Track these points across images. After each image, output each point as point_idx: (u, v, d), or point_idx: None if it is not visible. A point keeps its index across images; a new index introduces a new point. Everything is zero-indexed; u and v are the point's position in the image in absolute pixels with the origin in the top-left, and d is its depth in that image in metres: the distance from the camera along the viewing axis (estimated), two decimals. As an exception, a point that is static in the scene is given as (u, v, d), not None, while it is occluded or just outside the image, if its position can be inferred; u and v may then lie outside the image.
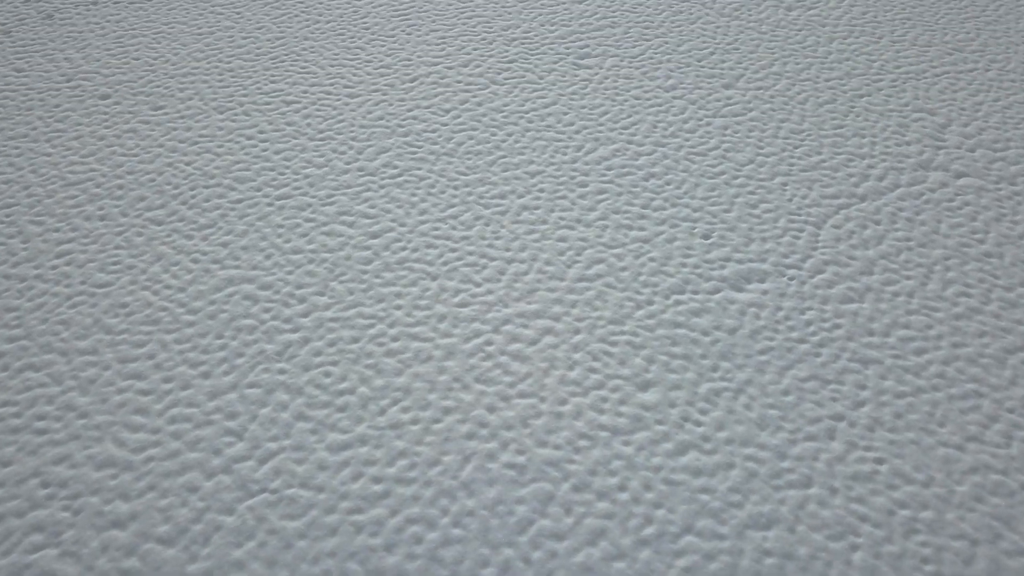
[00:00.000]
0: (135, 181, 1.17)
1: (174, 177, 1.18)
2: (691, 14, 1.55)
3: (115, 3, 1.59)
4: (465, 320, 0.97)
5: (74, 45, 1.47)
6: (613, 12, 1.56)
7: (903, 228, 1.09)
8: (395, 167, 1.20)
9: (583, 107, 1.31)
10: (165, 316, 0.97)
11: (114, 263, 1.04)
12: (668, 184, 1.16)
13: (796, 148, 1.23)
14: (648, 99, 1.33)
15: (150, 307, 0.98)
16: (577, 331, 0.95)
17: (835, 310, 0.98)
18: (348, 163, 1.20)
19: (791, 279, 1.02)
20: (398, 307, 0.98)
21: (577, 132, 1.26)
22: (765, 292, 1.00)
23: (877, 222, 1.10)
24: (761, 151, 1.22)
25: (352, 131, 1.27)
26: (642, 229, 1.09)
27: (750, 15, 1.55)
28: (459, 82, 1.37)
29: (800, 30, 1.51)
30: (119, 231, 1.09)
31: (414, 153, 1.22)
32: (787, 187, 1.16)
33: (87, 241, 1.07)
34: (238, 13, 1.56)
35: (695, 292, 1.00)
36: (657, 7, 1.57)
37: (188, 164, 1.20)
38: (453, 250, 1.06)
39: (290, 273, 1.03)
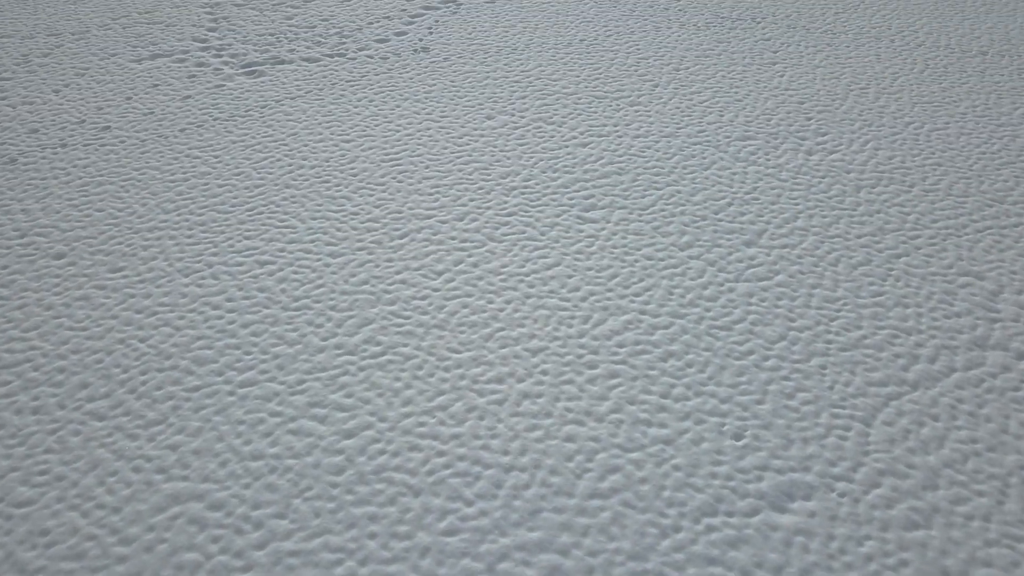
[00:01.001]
0: (79, 363, 1.02)
1: (124, 358, 1.03)
2: (704, 159, 1.44)
3: (84, 146, 1.48)
4: (453, 555, 0.80)
5: (34, 195, 1.35)
6: (619, 156, 1.44)
7: (966, 426, 0.94)
8: (378, 343, 1.05)
9: (589, 269, 1.18)
10: (92, 548, 0.81)
11: (41, 473, 0.88)
12: (690, 367, 1.02)
13: (832, 321, 1.09)
14: (661, 259, 1.20)
15: (76, 535, 0.82)
16: (590, 570, 0.78)
17: (899, 540, 0.81)
18: (324, 339, 1.06)
19: (842, 495, 0.86)
20: (372, 535, 0.82)
21: (583, 299, 1.12)
22: (812, 514, 0.84)
23: (935, 417, 0.95)
24: (793, 324, 1.08)
25: (332, 299, 1.13)
26: (663, 426, 0.94)
27: (768, 160, 1.44)
28: (453, 239, 1.24)
29: (823, 177, 1.39)
30: (53, 429, 0.94)
31: (400, 326, 1.08)
32: (826, 371, 1.01)
33: (13, 443, 0.92)
34: (216, 157, 1.45)
35: (729, 514, 0.84)
36: (667, 151, 1.46)
37: (142, 341, 1.06)
38: (441, 454, 0.90)
39: (247, 487, 0.87)
